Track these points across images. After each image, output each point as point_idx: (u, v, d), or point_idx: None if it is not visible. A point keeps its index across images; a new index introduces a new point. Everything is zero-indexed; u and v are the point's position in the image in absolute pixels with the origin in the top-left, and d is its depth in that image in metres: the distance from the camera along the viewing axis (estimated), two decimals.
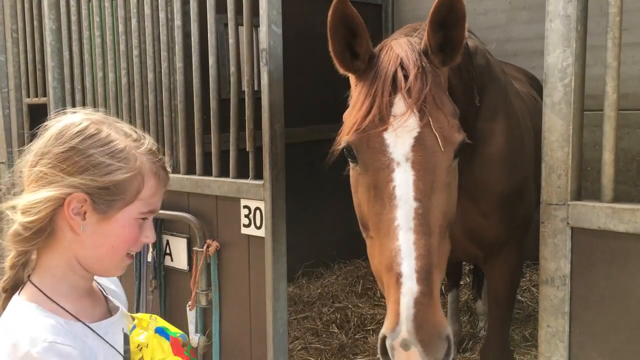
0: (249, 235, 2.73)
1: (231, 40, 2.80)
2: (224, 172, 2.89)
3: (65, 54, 3.65)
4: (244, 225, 2.73)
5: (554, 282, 1.81)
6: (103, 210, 1.39)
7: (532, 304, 5.02)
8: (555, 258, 1.80)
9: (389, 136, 1.71)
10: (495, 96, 2.61)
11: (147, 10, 3.14)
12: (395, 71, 1.76)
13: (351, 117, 1.79)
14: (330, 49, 1.83)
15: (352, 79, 1.95)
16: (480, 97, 2.50)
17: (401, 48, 1.82)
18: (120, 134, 1.45)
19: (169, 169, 1.55)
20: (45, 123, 1.47)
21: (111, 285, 1.68)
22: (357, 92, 1.84)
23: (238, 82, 2.82)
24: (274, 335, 2.64)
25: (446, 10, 1.72)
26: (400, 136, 1.69)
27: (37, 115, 3.99)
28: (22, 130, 4.08)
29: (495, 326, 3.01)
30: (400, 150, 1.69)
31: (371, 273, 6.52)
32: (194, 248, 2.90)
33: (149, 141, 1.50)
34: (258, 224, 2.66)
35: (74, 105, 3.64)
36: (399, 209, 1.64)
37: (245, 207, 2.72)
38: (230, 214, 2.79)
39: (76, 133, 1.40)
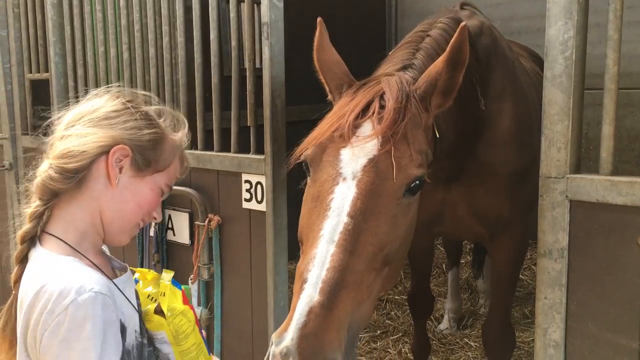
0: (250, 210, 2.74)
1: (232, 14, 2.79)
2: (225, 148, 2.90)
3: (67, 28, 3.63)
4: (245, 200, 2.75)
5: (551, 254, 1.82)
6: (140, 168, 1.52)
7: (533, 282, 5.05)
8: (554, 231, 1.81)
9: (344, 152, 1.67)
10: (502, 75, 2.58)
11: None
12: (372, 100, 1.73)
13: (313, 133, 1.77)
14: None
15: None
16: (487, 77, 2.48)
17: (388, 84, 1.77)
18: (157, 116, 1.64)
19: (187, 164, 1.71)
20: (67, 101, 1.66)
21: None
22: (328, 113, 1.83)
23: (239, 57, 2.81)
24: (275, 309, 2.67)
25: (459, 52, 1.73)
26: (355, 155, 1.65)
27: (40, 91, 3.99)
28: (25, 105, 4.07)
29: (497, 304, 3.03)
30: (350, 167, 1.64)
31: None
32: (195, 222, 2.92)
33: (183, 131, 1.69)
34: (259, 198, 2.68)
35: (75, 81, 3.64)
36: (328, 220, 1.57)
37: (246, 181, 2.73)
38: (232, 188, 2.80)
39: (115, 104, 1.56)
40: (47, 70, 3.83)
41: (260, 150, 2.69)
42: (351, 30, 5.58)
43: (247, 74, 2.72)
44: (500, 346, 3.06)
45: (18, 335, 1.41)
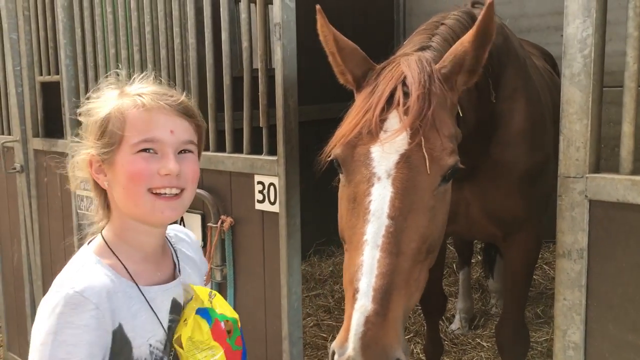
0: (263, 211, 2.73)
1: (243, 15, 2.78)
2: (237, 149, 2.89)
3: (77, 31, 3.64)
4: (258, 201, 2.74)
5: (571, 255, 1.80)
6: (107, 159, 1.49)
7: (544, 282, 5.03)
8: (573, 231, 1.79)
9: (374, 150, 1.67)
10: (514, 74, 2.57)
11: None
12: (395, 88, 1.72)
13: (341, 130, 1.76)
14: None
15: (355, 93, 1.92)
16: (499, 76, 2.47)
17: (408, 66, 1.75)
18: (114, 88, 1.56)
19: (173, 97, 1.53)
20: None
21: (190, 253, 1.74)
22: (353, 106, 1.81)
23: (250, 58, 2.80)
24: (289, 310, 2.66)
25: (486, 30, 1.71)
26: (386, 152, 1.65)
27: (50, 93, 4.00)
28: (35, 108, 4.08)
29: (511, 304, 3.01)
30: (383, 165, 1.64)
31: None
32: (208, 224, 2.91)
33: (140, 83, 1.56)
34: (272, 199, 2.67)
35: (86, 83, 3.64)
36: (370, 224, 1.59)
37: (259, 182, 2.72)
38: (244, 189, 2.80)
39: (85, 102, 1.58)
40: (57, 72, 3.83)
41: (272, 151, 2.69)
42: (359, 28, 5.57)
43: (259, 74, 2.71)
44: (514, 347, 3.04)
45: None
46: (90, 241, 1.57)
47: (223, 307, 1.59)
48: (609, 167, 1.84)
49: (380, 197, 1.61)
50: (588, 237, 1.78)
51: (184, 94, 1.59)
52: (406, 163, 1.63)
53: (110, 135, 1.47)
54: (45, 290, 4.19)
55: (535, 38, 4.82)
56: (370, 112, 1.69)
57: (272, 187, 2.67)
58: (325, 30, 1.92)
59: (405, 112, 1.66)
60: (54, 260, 4.12)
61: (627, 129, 1.73)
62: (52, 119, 4.03)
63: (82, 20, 3.60)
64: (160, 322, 1.50)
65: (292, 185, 2.60)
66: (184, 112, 1.52)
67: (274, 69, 2.63)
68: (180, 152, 1.50)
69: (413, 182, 1.62)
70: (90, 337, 1.34)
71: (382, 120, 1.68)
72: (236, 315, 1.60)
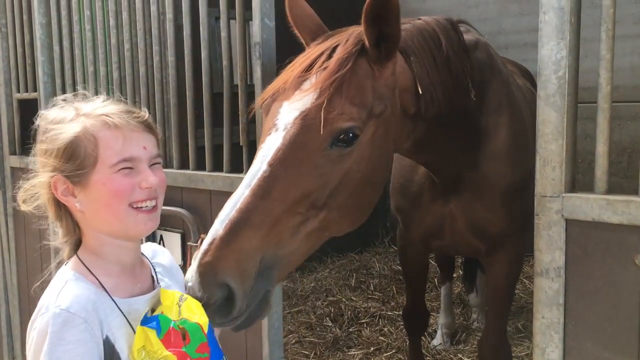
0: None
1: (223, 34, 2.78)
2: (217, 165, 2.88)
3: (56, 48, 3.61)
4: None
5: (548, 273, 1.82)
6: (79, 181, 1.49)
7: (525, 296, 5.06)
8: (550, 250, 1.81)
9: (283, 105, 1.80)
10: (498, 90, 2.61)
11: (138, 3, 3.12)
12: (323, 52, 1.84)
13: (273, 83, 1.90)
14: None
15: None
16: (483, 91, 2.51)
17: (345, 34, 1.88)
18: (70, 109, 1.54)
19: (139, 114, 1.57)
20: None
21: (167, 264, 1.77)
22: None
23: (230, 76, 2.81)
24: (269, 329, 2.64)
25: (379, 5, 1.76)
26: (291, 108, 1.77)
27: (28, 110, 3.96)
28: (13, 125, 4.03)
29: (493, 319, 3.03)
30: (284, 120, 1.77)
31: (364, 266, 6.57)
32: (188, 243, 2.89)
33: (98, 102, 1.57)
34: None
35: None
36: (252, 167, 1.74)
37: None
38: None
39: (40, 122, 1.57)
40: (35, 89, 3.80)
41: None
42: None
43: (239, 93, 2.71)
44: None
45: None
46: (67, 262, 1.59)
47: (191, 311, 1.53)
48: (585, 182, 1.86)
49: (269, 146, 1.74)
50: (565, 256, 1.80)
51: (143, 108, 1.64)
52: (303, 120, 1.74)
53: (83, 158, 1.48)
54: (21, 309, 4.14)
55: (513, 54, 4.89)
56: (293, 71, 1.82)
57: None
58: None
59: (320, 73, 1.78)
60: (30, 280, 4.05)
61: (601, 149, 1.76)
62: (30, 137, 3.98)
63: (61, 37, 3.58)
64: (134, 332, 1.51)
65: None
66: (149, 127, 1.59)
67: (253, 85, 2.64)
68: (152, 163, 1.58)
69: (302, 138, 1.73)
70: (84, 350, 1.39)
71: (302, 79, 1.80)
72: (204, 320, 1.52)
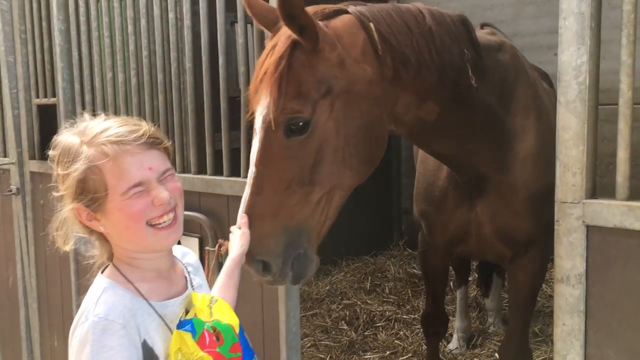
0: None
1: (240, 40, 2.80)
2: (234, 169, 2.89)
3: (75, 54, 3.65)
4: None
5: (569, 280, 1.81)
6: (97, 208, 1.53)
7: (542, 300, 5.02)
8: (571, 256, 1.80)
9: (257, 111, 2.02)
10: (524, 92, 2.60)
11: (156, 10, 3.15)
12: (267, 54, 2.01)
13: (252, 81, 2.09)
14: None
15: None
16: (508, 92, 2.51)
17: (282, 32, 2.01)
18: (74, 137, 1.55)
19: (140, 132, 1.55)
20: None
21: (193, 262, 1.86)
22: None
23: (247, 82, 2.82)
24: (287, 335, 2.65)
25: (287, 4, 1.86)
26: (259, 112, 2.01)
27: (47, 116, 4.00)
28: (32, 131, 4.08)
29: (515, 325, 3.00)
30: (257, 123, 2.01)
31: (379, 269, 6.53)
32: (205, 248, 2.90)
33: (100, 126, 1.55)
34: None
35: (83, 106, 3.65)
36: (249, 169, 2.01)
37: None
38: None
39: (52, 151, 1.60)
40: (54, 95, 3.84)
41: None
42: None
43: None
44: None
45: None
46: (103, 269, 1.64)
47: (222, 313, 1.61)
48: (603, 184, 1.85)
49: (253, 149, 2.02)
50: (586, 263, 1.78)
51: (145, 121, 1.62)
52: (264, 122, 1.98)
53: (94, 190, 1.51)
54: (40, 313, 4.18)
55: (529, 57, 4.84)
56: (257, 72, 2.01)
57: None
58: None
59: (263, 78, 1.97)
60: (49, 283, 4.09)
61: (622, 154, 1.75)
62: (49, 142, 4.03)
63: (80, 43, 3.62)
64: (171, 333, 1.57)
65: None
66: (153, 143, 1.57)
67: None
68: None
69: (268, 137, 1.97)
70: (126, 355, 1.44)
71: (261, 80, 1.99)
72: (235, 321, 1.62)
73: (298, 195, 1.99)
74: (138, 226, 1.53)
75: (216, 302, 1.64)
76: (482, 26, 2.94)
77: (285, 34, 1.98)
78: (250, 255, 1.96)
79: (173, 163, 3.16)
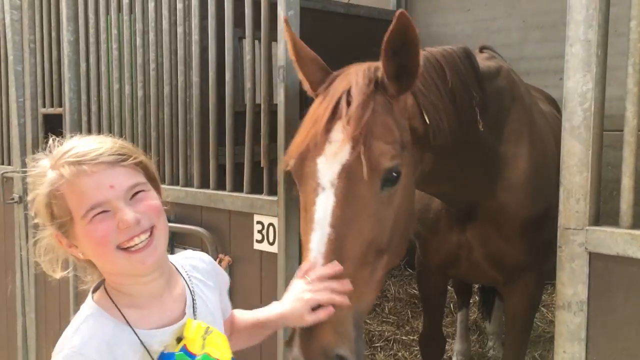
0: (261, 251, 2.73)
1: (248, 57, 2.82)
2: (237, 184, 2.89)
3: (82, 65, 3.68)
4: (257, 241, 2.73)
5: (570, 307, 1.80)
6: (68, 234, 1.46)
7: (542, 324, 4.98)
8: (573, 283, 1.79)
9: (320, 162, 1.74)
10: (518, 118, 2.58)
11: (165, 24, 3.17)
12: (340, 98, 1.79)
13: (294, 142, 1.84)
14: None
15: None
16: (501, 119, 2.49)
17: (356, 74, 1.84)
18: (46, 160, 1.49)
19: (98, 151, 1.44)
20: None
21: (205, 277, 1.69)
22: (306, 115, 1.89)
23: (253, 97, 2.83)
24: (285, 352, 2.63)
25: (399, 38, 1.74)
26: (329, 162, 1.72)
27: (52, 125, 4.02)
28: (37, 140, 4.10)
29: (511, 349, 2.98)
30: (327, 176, 1.71)
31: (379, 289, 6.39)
32: None
33: (63, 147, 1.48)
34: (271, 239, 2.66)
35: (89, 116, 3.67)
36: (314, 233, 1.67)
37: (258, 222, 2.72)
38: (243, 229, 2.79)
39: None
40: (60, 105, 3.86)
41: (273, 190, 2.69)
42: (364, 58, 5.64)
43: (262, 115, 2.74)
44: None
45: None
46: (96, 287, 1.55)
47: (215, 346, 1.52)
48: (606, 210, 1.84)
49: (323, 207, 1.69)
50: (588, 290, 1.77)
51: (109, 138, 1.51)
52: (347, 172, 1.70)
53: (60, 215, 1.44)
54: (38, 322, 4.16)
55: (534, 81, 4.88)
56: (317, 124, 1.77)
57: (271, 227, 2.66)
58: (288, 38, 2.06)
59: (348, 122, 1.73)
60: (47, 293, 4.08)
61: (627, 182, 1.75)
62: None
63: (88, 55, 3.64)
64: None
65: (292, 227, 2.60)
66: (116, 160, 1.44)
67: (276, 104, 2.66)
68: (132, 195, 1.45)
69: (353, 190, 1.69)
70: None
71: (328, 130, 1.75)
72: (227, 356, 1.53)
73: (370, 266, 1.72)
74: (106, 251, 1.42)
75: (211, 333, 1.53)
76: (481, 49, 2.94)
77: (361, 75, 1.82)
78: (319, 344, 1.58)
79: (176, 176, 3.21)
